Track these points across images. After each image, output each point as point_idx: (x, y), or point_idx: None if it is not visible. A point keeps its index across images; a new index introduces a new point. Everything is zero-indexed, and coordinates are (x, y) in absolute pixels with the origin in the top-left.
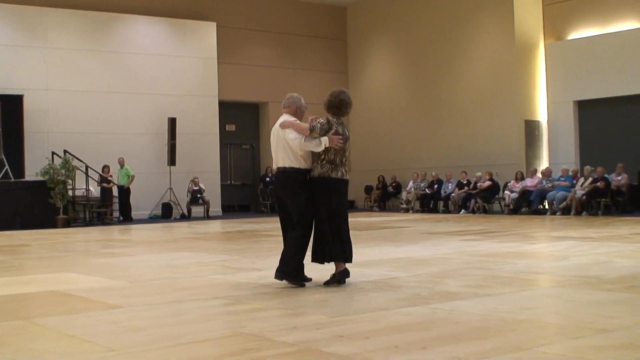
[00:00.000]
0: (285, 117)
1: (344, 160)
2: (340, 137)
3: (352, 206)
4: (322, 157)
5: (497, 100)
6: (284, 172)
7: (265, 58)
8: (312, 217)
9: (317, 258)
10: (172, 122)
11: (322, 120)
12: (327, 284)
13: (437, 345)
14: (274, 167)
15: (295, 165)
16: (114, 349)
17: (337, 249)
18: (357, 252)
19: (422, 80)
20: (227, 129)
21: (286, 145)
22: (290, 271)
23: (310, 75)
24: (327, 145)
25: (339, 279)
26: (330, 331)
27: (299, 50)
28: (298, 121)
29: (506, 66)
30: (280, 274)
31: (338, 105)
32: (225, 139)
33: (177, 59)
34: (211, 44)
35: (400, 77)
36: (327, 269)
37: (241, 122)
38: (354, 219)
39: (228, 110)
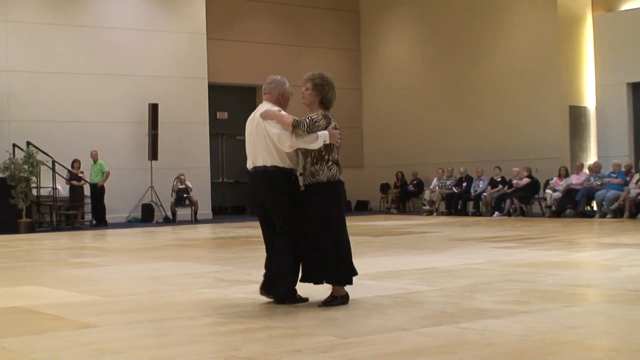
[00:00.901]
0: (266, 106)
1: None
2: (340, 132)
3: (366, 208)
4: (326, 157)
5: (537, 82)
6: (264, 172)
7: (263, 33)
8: (298, 225)
9: (311, 278)
10: (154, 108)
11: (314, 116)
12: (327, 304)
13: None
14: (250, 165)
15: (280, 164)
16: None
17: (344, 269)
18: (372, 262)
19: (448, 59)
20: (218, 116)
21: (269, 140)
22: (288, 292)
23: (317, 54)
24: (327, 142)
25: (343, 302)
26: (340, 355)
27: (303, 24)
28: (283, 112)
29: (547, 43)
30: (279, 296)
31: (331, 98)
32: (217, 128)
33: (160, 34)
34: (199, 17)
35: (422, 55)
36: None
37: (235, 109)
38: (367, 223)
39: (219, 94)
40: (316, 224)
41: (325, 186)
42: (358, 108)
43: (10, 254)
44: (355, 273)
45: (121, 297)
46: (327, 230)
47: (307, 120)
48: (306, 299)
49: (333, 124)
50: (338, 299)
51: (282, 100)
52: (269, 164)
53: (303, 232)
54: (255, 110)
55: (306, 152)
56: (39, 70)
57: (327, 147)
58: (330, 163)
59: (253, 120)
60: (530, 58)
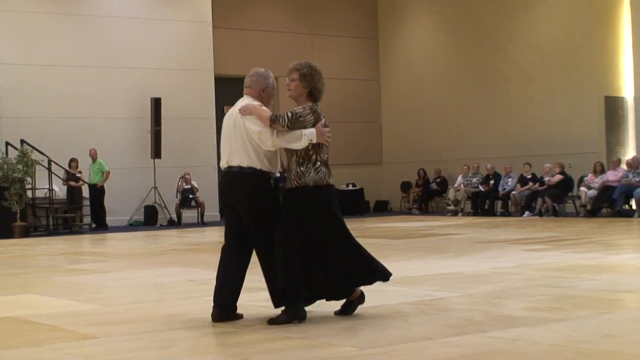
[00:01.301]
0: (246, 101)
1: None
2: (329, 130)
3: (385, 208)
4: (314, 157)
5: (570, 72)
6: (239, 173)
7: (273, 21)
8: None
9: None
10: (157, 103)
11: (299, 110)
12: (344, 312)
13: None
14: (223, 164)
15: (257, 165)
16: None
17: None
18: (393, 266)
19: (473, 47)
20: (225, 111)
21: (247, 138)
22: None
23: (332, 43)
24: (314, 141)
25: (360, 302)
26: None
27: (316, 10)
28: (264, 107)
29: (581, 28)
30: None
31: (321, 89)
32: None
33: (162, 23)
34: (204, 5)
35: (445, 43)
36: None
37: None
38: (387, 225)
39: (226, 87)
40: (317, 236)
41: (312, 191)
42: (376, 101)
43: (4, 261)
44: (380, 275)
45: (122, 306)
46: (330, 241)
47: (289, 114)
48: (241, 316)
49: (323, 120)
50: (354, 303)
51: (263, 96)
52: (245, 164)
53: (298, 246)
54: (234, 105)
55: (291, 151)
56: (33, 63)
57: (316, 146)
58: (318, 164)
59: (231, 116)
60: (562, 45)
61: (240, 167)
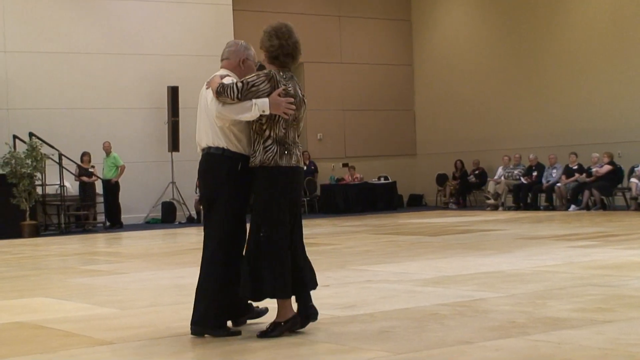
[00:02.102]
0: (219, 73)
1: (297, 137)
2: (292, 99)
3: (420, 203)
4: (267, 132)
5: (618, 54)
6: (207, 154)
7: (298, 3)
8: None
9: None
10: (174, 92)
11: (251, 78)
12: (265, 335)
13: None
14: (198, 148)
15: (224, 144)
16: None
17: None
18: (428, 265)
19: (515, 29)
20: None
21: (209, 113)
22: (208, 314)
23: (361, 25)
24: (266, 112)
25: (287, 327)
26: None
27: None
28: (228, 77)
29: (630, 8)
30: (196, 319)
31: (292, 53)
32: None
33: (179, 7)
34: None
35: (483, 25)
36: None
37: None
38: (422, 220)
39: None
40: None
41: (258, 173)
42: (409, 87)
43: (13, 262)
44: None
45: (140, 309)
46: (256, 231)
47: (239, 84)
48: (238, 332)
49: (282, 87)
50: (281, 325)
51: (243, 68)
52: (212, 144)
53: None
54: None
55: (250, 129)
56: (42, 50)
57: (270, 120)
58: (269, 142)
59: (202, 92)
60: (610, 26)
61: (209, 148)
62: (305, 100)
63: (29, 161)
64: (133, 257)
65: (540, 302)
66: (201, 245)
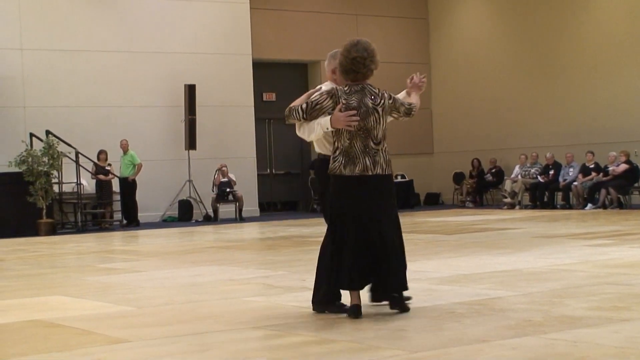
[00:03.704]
0: (320, 86)
1: (371, 145)
2: (353, 112)
3: (437, 201)
4: (336, 144)
5: (635, 51)
6: (317, 159)
7: (315, 1)
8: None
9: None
10: (191, 90)
11: (315, 97)
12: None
13: None
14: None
15: (325, 151)
16: None
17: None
18: (445, 263)
19: (532, 27)
20: (265, 98)
21: None
22: (320, 298)
23: (379, 23)
24: (330, 129)
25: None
26: None
27: None
28: (308, 94)
29: None
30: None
31: (353, 68)
32: (263, 112)
33: (196, 4)
34: None
35: (501, 23)
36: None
37: (284, 89)
38: (439, 219)
39: (266, 73)
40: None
41: (330, 179)
42: (426, 86)
43: (30, 260)
44: (337, 286)
45: (157, 307)
46: (329, 234)
47: (304, 106)
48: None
49: (342, 103)
50: (341, 307)
51: (336, 77)
52: (320, 151)
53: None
54: None
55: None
56: (58, 48)
57: (337, 133)
58: (337, 153)
59: None
60: (627, 23)
61: (318, 154)
62: (380, 107)
63: (45, 159)
64: (149, 256)
65: (557, 301)
66: (218, 244)
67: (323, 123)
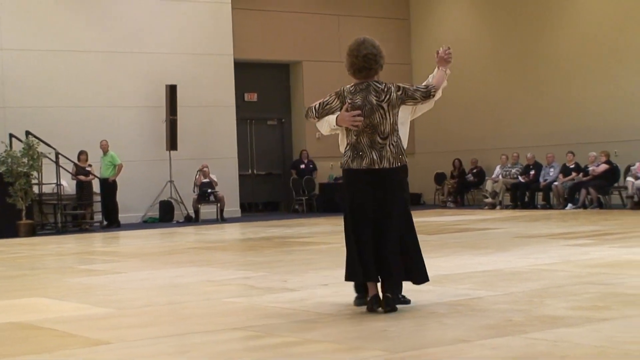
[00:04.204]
0: None
1: (377, 140)
2: (357, 111)
3: (418, 201)
4: (345, 141)
5: (616, 53)
6: None
7: (297, 1)
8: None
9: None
10: (172, 90)
11: (326, 98)
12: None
13: None
14: None
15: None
16: None
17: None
18: (426, 263)
19: (513, 28)
20: (246, 98)
21: None
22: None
23: (360, 24)
24: (335, 126)
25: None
26: None
27: None
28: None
29: (628, 5)
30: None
31: (365, 65)
32: (245, 112)
33: (177, 4)
34: None
35: (481, 24)
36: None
37: (265, 90)
38: (420, 219)
39: (248, 73)
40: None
41: (342, 174)
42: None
43: (9, 262)
44: (350, 278)
45: (137, 308)
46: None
47: (316, 105)
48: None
49: (347, 102)
50: (360, 299)
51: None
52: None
53: None
54: None
55: None
56: (38, 48)
57: (345, 130)
58: (347, 148)
59: None
60: (608, 25)
61: None
62: (385, 103)
63: (25, 160)
64: (130, 257)
65: (537, 301)
66: (199, 245)
67: (331, 121)
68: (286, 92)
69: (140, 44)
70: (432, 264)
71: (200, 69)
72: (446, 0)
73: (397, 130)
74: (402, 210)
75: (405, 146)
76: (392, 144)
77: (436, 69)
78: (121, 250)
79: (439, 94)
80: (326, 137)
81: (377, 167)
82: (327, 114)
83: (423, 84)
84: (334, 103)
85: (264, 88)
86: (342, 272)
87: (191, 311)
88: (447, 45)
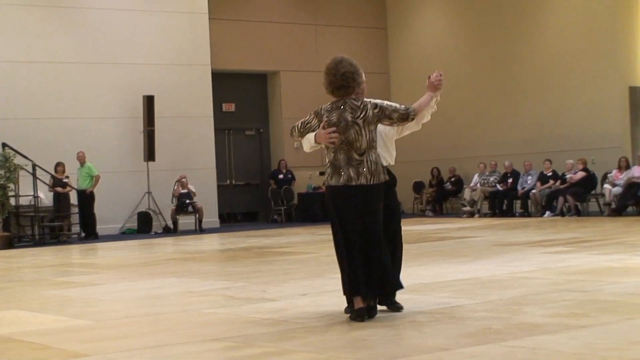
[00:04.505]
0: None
1: (354, 156)
2: (332, 128)
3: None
4: (327, 158)
5: (591, 61)
6: None
7: (274, 11)
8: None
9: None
10: (149, 101)
11: (305, 118)
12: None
13: None
14: None
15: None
16: None
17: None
18: (405, 273)
19: (489, 38)
20: (224, 109)
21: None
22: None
23: (337, 33)
24: (313, 144)
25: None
26: None
27: None
28: None
29: (603, 15)
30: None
31: (344, 83)
32: (223, 122)
33: (154, 15)
34: None
35: (458, 33)
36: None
37: (243, 100)
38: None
39: (225, 83)
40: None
41: (325, 190)
42: (385, 95)
43: None
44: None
45: (116, 320)
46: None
47: (298, 124)
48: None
49: (324, 120)
50: (349, 311)
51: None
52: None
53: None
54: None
55: None
56: (14, 60)
57: (326, 147)
58: (328, 165)
59: None
60: (583, 34)
61: None
62: (361, 119)
63: (2, 172)
64: (108, 268)
65: (516, 308)
66: (177, 256)
67: (310, 139)
68: (264, 102)
69: (117, 54)
70: (412, 272)
71: (177, 80)
72: (423, 10)
73: (375, 148)
74: (378, 225)
75: (392, 162)
76: (370, 160)
77: (426, 94)
78: (99, 262)
79: (426, 118)
80: None
81: (354, 183)
82: (307, 132)
83: (403, 106)
84: (312, 122)
85: (241, 98)
86: (321, 281)
87: (170, 322)
88: (438, 71)
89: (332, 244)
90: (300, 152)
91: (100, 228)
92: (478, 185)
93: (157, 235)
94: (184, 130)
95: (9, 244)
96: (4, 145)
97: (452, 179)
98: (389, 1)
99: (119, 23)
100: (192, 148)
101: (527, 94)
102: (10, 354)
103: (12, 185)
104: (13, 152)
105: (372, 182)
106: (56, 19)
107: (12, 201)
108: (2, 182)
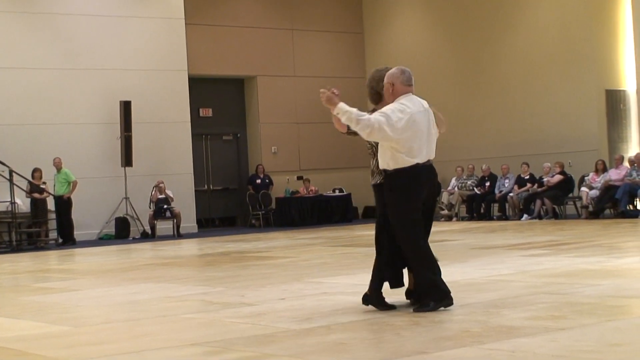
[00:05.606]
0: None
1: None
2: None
3: (374, 215)
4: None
5: (568, 64)
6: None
7: (251, 16)
8: None
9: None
10: (126, 106)
11: None
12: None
13: None
14: (424, 158)
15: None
16: None
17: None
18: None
19: (464, 41)
20: (201, 114)
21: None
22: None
23: (314, 38)
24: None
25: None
26: None
27: (297, 3)
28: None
29: (579, 19)
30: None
31: (369, 92)
32: (200, 127)
33: (130, 21)
34: None
35: (434, 37)
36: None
37: (220, 105)
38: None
39: (202, 88)
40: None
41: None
42: (363, 100)
43: None
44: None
45: (94, 326)
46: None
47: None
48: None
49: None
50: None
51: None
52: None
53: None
54: (412, 100)
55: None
56: None
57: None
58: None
59: (427, 112)
60: (559, 37)
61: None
62: None
63: None
64: (86, 274)
65: (494, 311)
66: (155, 261)
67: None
68: (241, 107)
69: (94, 60)
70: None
71: (154, 85)
72: (400, 14)
73: (375, 153)
74: (383, 222)
75: (389, 164)
76: (374, 164)
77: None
78: (77, 268)
79: (359, 129)
80: (281, 152)
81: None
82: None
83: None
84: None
85: (218, 103)
86: (300, 285)
87: (148, 328)
88: (328, 87)
89: (312, 247)
90: (278, 157)
91: (78, 234)
92: (456, 188)
93: (135, 240)
94: (161, 136)
95: None
96: None
97: None
98: (366, 6)
99: (96, 29)
100: (170, 153)
101: (504, 97)
102: None
103: None
104: None
105: (374, 182)
106: (32, 25)
107: None
108: None
